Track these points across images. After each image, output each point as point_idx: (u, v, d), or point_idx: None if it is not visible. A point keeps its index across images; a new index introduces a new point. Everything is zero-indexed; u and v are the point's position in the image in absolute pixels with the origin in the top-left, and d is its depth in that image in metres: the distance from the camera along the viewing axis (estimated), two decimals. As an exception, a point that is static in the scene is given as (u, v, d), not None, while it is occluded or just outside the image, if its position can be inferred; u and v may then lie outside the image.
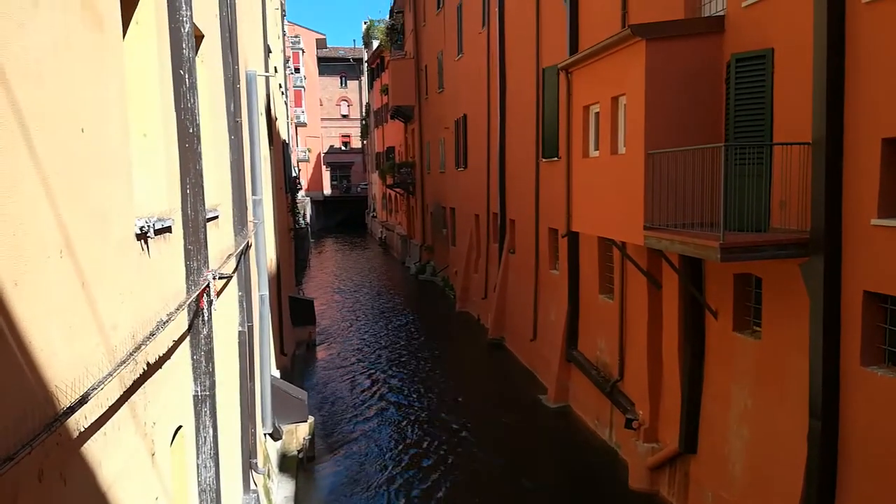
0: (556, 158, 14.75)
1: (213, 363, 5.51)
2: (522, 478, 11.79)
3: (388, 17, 41.15)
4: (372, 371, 18.48)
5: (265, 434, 10.59)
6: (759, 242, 7.43)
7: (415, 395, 16.45)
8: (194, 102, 5.18)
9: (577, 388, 14.16)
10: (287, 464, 11.53)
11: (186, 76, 5.05)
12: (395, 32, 38.89)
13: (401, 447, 13.42)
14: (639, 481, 10.88)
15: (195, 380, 5.34)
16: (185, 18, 4.99)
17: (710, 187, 8.13)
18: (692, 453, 9.80)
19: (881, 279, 6.58)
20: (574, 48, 13.38)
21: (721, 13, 8.99)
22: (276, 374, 13.02)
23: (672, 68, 8.88)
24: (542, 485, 11.59)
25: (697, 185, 8.29)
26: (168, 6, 4.91)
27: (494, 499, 11.22)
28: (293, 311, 19.21)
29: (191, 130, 5.13)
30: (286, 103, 30.53)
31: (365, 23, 52.07)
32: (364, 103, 64.65)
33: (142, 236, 4.11)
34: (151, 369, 4.20)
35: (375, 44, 47.19)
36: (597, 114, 10.83)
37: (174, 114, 4.98)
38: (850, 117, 6.86)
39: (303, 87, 54.25)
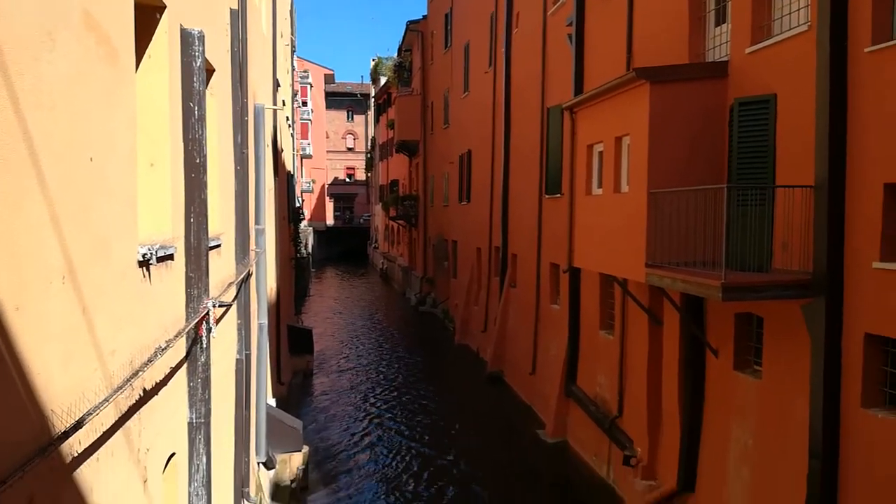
0: (559, 195, 14.84)
1: (209, 391, 5.50)
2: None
3: (396, 54, 41.76)
4: (368, 401, 18.34)
5: (259, 463, 10.47)
6: (761, 282, 7.43)
7: (411, 427, 16.29)
8: (202, 134, 5.26)
9: (575, 424, 14.02)
10: (280, 493, 11.37)
11: (196, 108, 5.13)
12: (402, 70, 39.45)
13: (395, 479, 13.23)
14: (637, 522, 10.71)
15: (191, 407, 5.32)
16: (197, 53, 5.10)
17: (712, 227, 8.17)
18: (690, 492, 9.65)
19: (883, 322, 6.57)
20: (579, 89, 13.55)
21: (725, 59, 9.13)
22: (273, 402, 12.93)
23: (676, 111, 8.99)
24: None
25: (700, 225, 8.32)
26: (181, 42, 5.01)
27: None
28: (291, 340, 19.15)
29: (197, 161, 5.20)
30: (293, 135, 30.85)
31: (373, 60, 53.08)
32: (370, 137, 65.33)
33: (144, 263, 4.14)
34: (147, 395, 4.19)
35: (383, 80, 47.89)
36: (600, 153, 10.93)
37: (182, 144, 5.05)
38: (853, 162, 6.92)
39: (310, 120, 54.87)
